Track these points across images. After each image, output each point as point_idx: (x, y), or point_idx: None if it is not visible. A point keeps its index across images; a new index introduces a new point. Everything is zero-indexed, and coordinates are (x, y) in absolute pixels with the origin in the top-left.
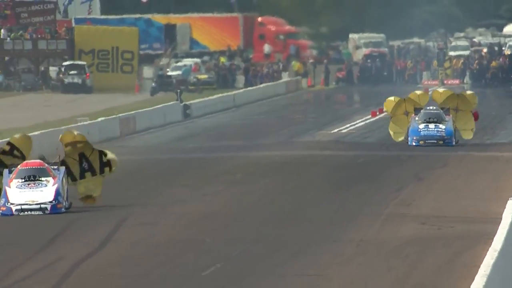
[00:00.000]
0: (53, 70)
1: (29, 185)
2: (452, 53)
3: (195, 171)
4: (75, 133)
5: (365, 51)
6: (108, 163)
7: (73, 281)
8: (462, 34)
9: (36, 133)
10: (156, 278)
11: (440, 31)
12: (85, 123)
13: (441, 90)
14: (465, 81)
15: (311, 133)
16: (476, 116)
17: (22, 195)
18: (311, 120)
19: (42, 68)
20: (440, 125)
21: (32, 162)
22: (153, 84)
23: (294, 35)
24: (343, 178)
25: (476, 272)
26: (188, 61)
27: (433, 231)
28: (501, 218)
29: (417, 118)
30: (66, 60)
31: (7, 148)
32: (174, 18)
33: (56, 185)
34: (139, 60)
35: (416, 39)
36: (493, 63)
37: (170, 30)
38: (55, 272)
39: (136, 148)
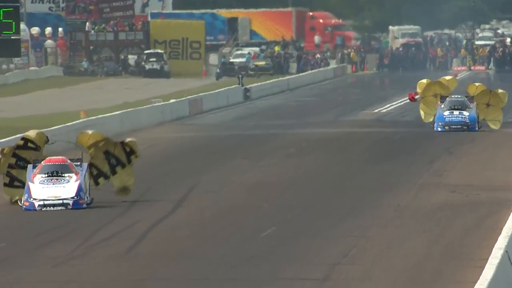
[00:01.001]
0: (131, 58)
1: (52, 181)
2: (478, 43)
3: (254, 145)
4: (89, 133)
5: (402, 41)
6: (132, 151)
7: (149, 240)
8: (487, 26)
9: (116, 112)
10: (221, 239)
11: (468, 23)
12: (158, 104)
13: (477, 84)
14: (490, 67)
15: (355, 112)
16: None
17: (44, 190)
18: (355, 101)
19: (122, 56)
20: (464, 112)
21: (56, 158)
22: (218, 70)
23: (340, 27)
24: (383, 152)
25: (499, 234)
26: (248, 50)
27: (462, 198)
28: None
29: (442, 106)
30: (142, 50)
31: (21, 142)
32: (236, 13)
33: (78, 181)
34: (205, 48)
35: (447, 30)
36: None
37: (232, 23)
38: (133, 233)
39: (203, 126)
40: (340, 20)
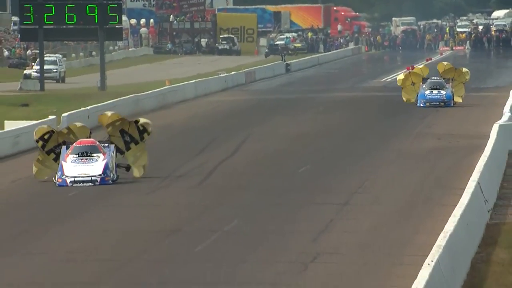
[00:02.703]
0: (203, 41)
1: (82, 160)
2: (458, 29)
3: (293, 105)
4: (109, 114)
5: (402, 28)
6: (144, 129)
7: (215, 175)
8: (465, 17)
9: (191, 81)
10: (269, 174)
11: (451, 15)
12: (223, 75)
13: (445, 63)
14: (466, 47)
15: (368, 81)
16: None
17: (75, 168)
18: (367, 72)
19: (196, 40)
20: (442, 91)
21: (86, 141)
22: (266, 50)
23: (357, 18)
24: (388, 110)
25: (473, 170)
26: (288, 35)
27: (446, 144)
28: (489, 136)
29: (424, 86)
30: (211, 36)
31: (65, 131)
32: (280, 8)
33: (105, 161)
34: (257, 34)
35: (435, 20)
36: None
37: (277, 15)
38: (203, 170)
39: (255, 91)
40: (357, 13)
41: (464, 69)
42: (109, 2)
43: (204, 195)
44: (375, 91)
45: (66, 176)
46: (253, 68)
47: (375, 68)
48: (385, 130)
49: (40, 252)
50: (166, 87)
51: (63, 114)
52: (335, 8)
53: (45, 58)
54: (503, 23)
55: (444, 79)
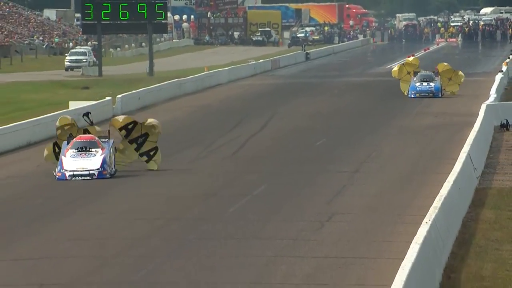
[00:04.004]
0: (236, 34)
1: (81, 155)
2: (452, 24)
3: (311, 88)
4: (120, 119)
5: (404, 23)
6: (153, 153)
7: (246, 148)
8: (457, 14)
9: (226, 68)
10: (291, 147)
11: (445, 12)
12: (252, 62)
13: (445, 63)
14: (458, 39)
15: (375, 68)
16: None
17: (74, 163)
18: (375, 60)
19: (230, 33)
20: (431, 83)
21: (85, 136)
22: (289, 41)
23: (366, 14)
24: (392, 93)
25: (464, 143)
26: (308, 29)
27: (441, 121)
28: (478, 114)
29: (415, 79)
30: (242, 29)
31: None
32: (301, 6)
33: (103, 155)
34: (281, 28)
35: (432, 16)
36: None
37: (298, 12)
38: (236, 143)
39: (279, 76)
40: (366, 10)
41: (460, 72)
42: (157, 1)
43: (236, 165)
44: (381, 77)
45: (65, 170)
46: (278, 56)
47: (381, 57)
48: (389, 110)
49: (97, 212)
50: (204, 73)
51: (118, 96)
52: (347, 6)
53: (76, 50)
54: (490, 18)
55: (433, 72)
